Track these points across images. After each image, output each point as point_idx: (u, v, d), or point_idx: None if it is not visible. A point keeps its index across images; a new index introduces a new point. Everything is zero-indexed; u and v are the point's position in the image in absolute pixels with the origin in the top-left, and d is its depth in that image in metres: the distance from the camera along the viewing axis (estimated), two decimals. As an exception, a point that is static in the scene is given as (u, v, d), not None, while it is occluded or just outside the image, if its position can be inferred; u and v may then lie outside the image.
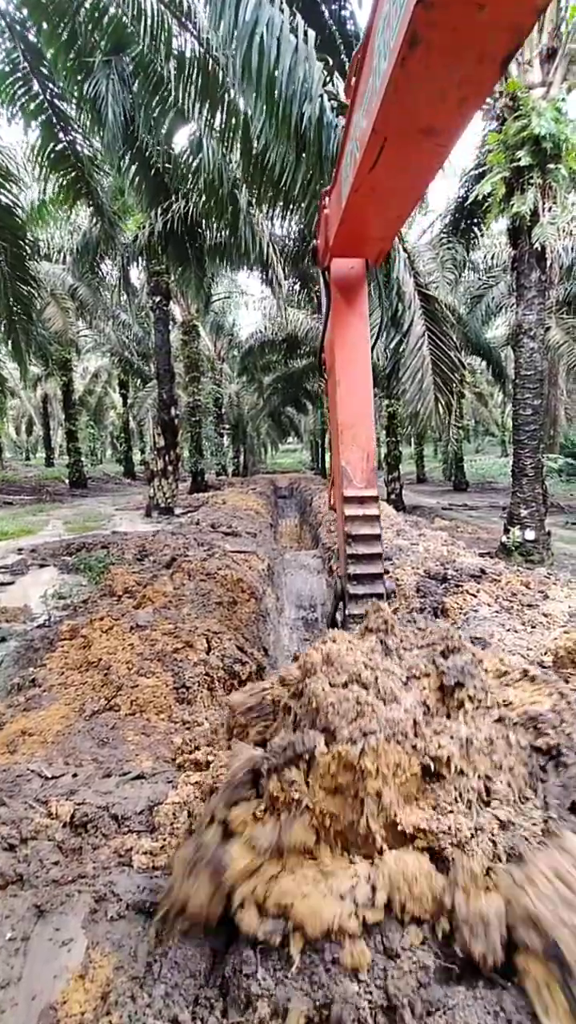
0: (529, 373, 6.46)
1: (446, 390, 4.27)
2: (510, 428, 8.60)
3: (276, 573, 7.64)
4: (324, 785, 1.36)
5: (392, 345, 3.87)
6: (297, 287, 14.68)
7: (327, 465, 25.16)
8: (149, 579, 4.24)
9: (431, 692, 1.51)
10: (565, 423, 17.89)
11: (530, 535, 6.63)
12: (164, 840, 1.54)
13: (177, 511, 12.78)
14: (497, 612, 3.15)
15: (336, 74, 4.19)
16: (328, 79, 3.52)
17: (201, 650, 2.77)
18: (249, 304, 24.40)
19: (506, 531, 7.02)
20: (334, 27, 6.42)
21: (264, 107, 3.45)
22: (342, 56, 6.11)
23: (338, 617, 2.48)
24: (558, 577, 4.00)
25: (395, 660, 1.60)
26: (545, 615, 3.05)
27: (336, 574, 2.85)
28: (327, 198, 2.49)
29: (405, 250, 3.86)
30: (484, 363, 15.84)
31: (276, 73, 3.04)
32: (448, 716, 1.46)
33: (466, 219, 9.51)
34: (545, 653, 2.45)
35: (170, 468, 12.24)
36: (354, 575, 2.37)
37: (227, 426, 27.49)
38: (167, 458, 12.29)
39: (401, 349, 3.93)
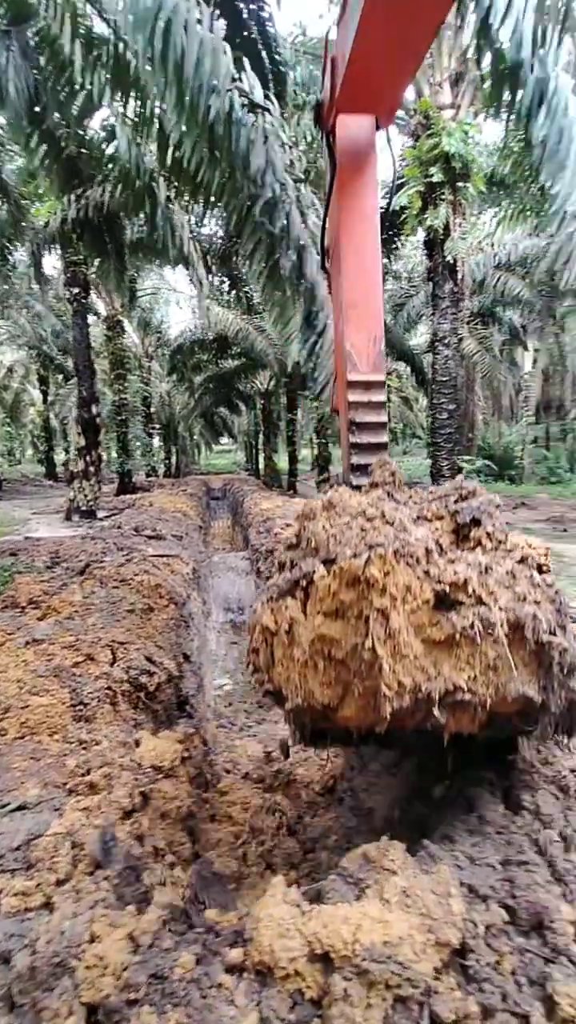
0: (444, 379, 6.83)
1: None
2: (431, 431, 9.03)
3: (203, 576, 7.49)
4: (324, 609, 1.23)
5: (308, 346, 3.93)
6: (227, 287, 14.55)
7: (261, 466, 25.17)
8: (58, 588, 3.98)
9: (445, 534, 1.38)
10: (483, 427, 19.16)
11: (446, 533, 6.97)
12: (41, 877, 1.41)
13: (101, 514, 12.20)
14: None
15: (250, 72, 4.15)
16: (238, 76, 3.48)
17: (104, 662, 2.62)
18: (180, 301, 23.89)
19: (425, 529, 7.32)
20: (254, 27, 6.41)
21: (174, 98, 3.35)
22: (262, 56, 6.11)
23: None
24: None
25: (404, 507, 1.45)
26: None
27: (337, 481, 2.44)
28: (334, 28, 2.21)
29: (319, 252, 3.92)
30: (408, 369, 16.56)
31: (182, 63, 2.95)
32: (464, 552, 1.33)
33: (387, 230, 9.88)
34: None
35: (92, 469, 11.65)
36: (357, 466, 2.17)
37: (157, 426, 26.70)
38: (88, 459, 11.69)
39: (316, 349, 3.99)
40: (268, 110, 3.49)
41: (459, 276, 6.58)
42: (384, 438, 2.18)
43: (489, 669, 1.21)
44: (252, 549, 8.18)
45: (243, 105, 3.38)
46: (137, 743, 2.18)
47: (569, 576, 6.87)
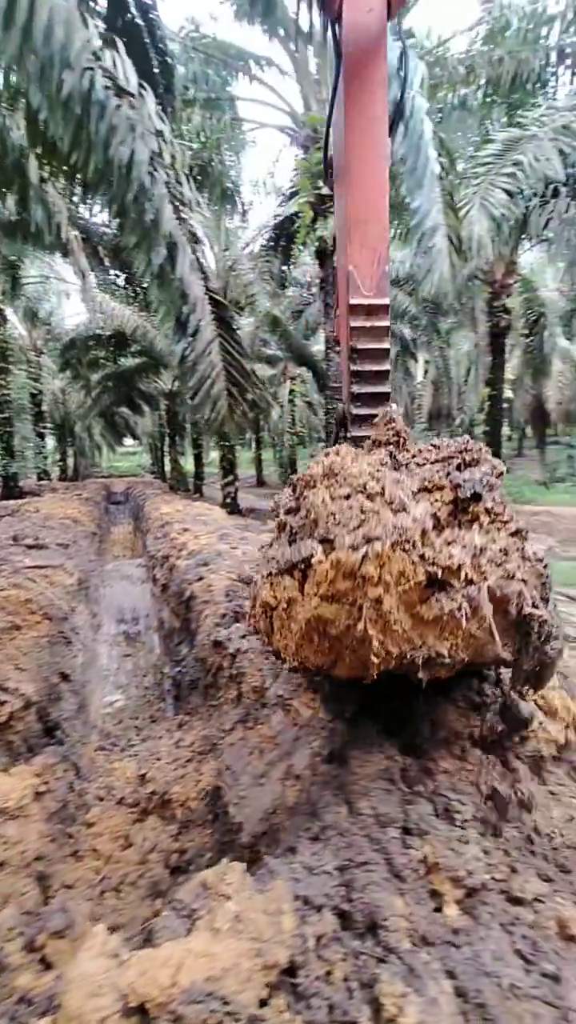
0: (337, 385, 7.06)
1: (240, 398, 4.36)
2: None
3: (94, 587, 7.02)
4: (320, 592, 1.28)
5: (178, 348, 3.80)
6: (122, 281, 13.86)
7: (167, 469, 24.35)
8: None
9: (444, 505, 1.39)
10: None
11: (342, 533, 7.21)
12: None
13: (-21, 522, 10.96)
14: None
15: (124, 56, 3.92)
16: (100, 54, 3.26)
17: (-56, 694, 2.29)
18: (74, 294, 22.32)
19: (322, 531, 7.51)
20: (137, 12, 6.15)
21: (30, 68, 3.06)
22: (146, 43, 5.87)
23: (337, 439, 2.09)
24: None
25: (406, 474, 1.45)
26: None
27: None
28: None
29: (193, 251, 3.83)
30: (311, 374, 17.01)
31: (30, 27, 2.69)
32: (461, 528, 1.37)
33: (284, 237, 10.04)
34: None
35: (-33, 473, 10.43)
36: (358, 395, 1.99)
37: (50, 426, 24.74)
38: (-37, 461, 10.45)
39: (187, 353, 3.87)
40: (133, 95, 3.32)
41: (348, 287, 6.83)
42: (386, 366, 2.01)
43: (471, 638, 1.31)
44: (148, 556, 7.83)
45: (107, 87, 3.18)
46: (-21, 783, 1.92)
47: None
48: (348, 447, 1.56)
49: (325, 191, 6.60)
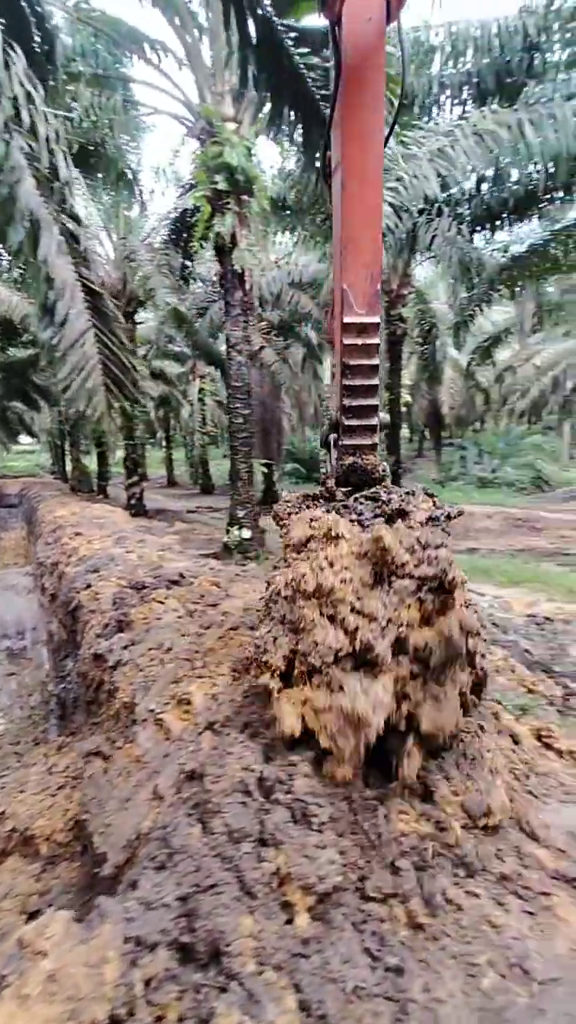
0: (239, 385, 7.00)
1: (121, 394, 4.14)
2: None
3: (-28, 600, 6.33)
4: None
5: (46, 338, 3.51)
6: (5, 263, 12.63)
7: (68, 470, 22.71)
8: None
9: (409, 606, 1.55)
10: (289, 432, 20.57)
11: (246, 534, 7.19)
12: None
13: None
14: (179, 617, 3.15)
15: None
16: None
17: None
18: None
19: (227, 531, 7.46)
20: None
21: None
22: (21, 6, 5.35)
23: (331, 445, 2.26)
24: (249, 572, 4.33)
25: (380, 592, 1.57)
26: (224, 614, 3.18)
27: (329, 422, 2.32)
28: None
29: (63, 233, 3.54)
30: (219, 372, 16.79)
31: None
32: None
33: (185, 230, 9.76)
34: (205, 653, 2.51)
35: None
36: (349, 407, 2.13)
37: None
38: None
39: (56, 342, 3.59)
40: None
41: (247, 286, 6.82)
42: (375, 380, 2.13)
43: None
44: (38, 563, 7.20)
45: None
46: None
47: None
48: (345, 523, 1.74)
49: (222, 186, 6.49)
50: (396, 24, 1.92)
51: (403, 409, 15.39)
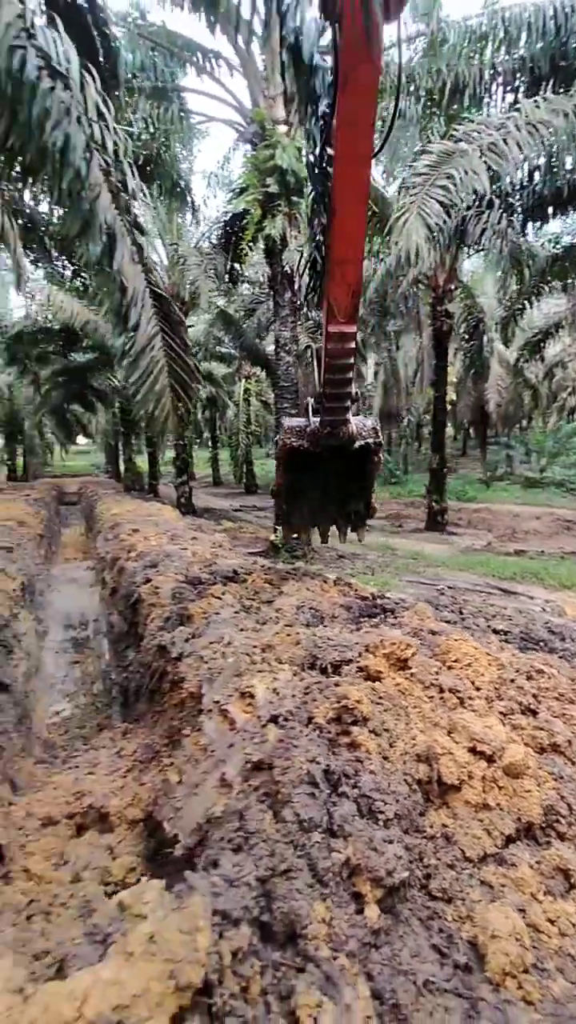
0: (287, 384, 7.07)
1: (184, 395, 4.30)
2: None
3: (39, 591, 6.74)
4: None
5: (121, 343, 3.69)
6: (70, 273, 13.30)
7: (121, 468, 23.63)
8: None
9: None
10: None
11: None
12: None
13: None
14: (236, 613, 3.25)
15: (64, 36, 3.73)
16: (29, 28, 3.06)
17: None
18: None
19: (274, 530, 7.56)
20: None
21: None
22: (88, 26, 5.62)
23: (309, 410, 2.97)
24: (299, 571, 4.39)
25: None
26: (277, 611, 3.26)
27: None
28: None
29: (135, 243, 3.72)
30: (264, 373, 16.97)
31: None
32: None
33: (235, 233, 9.93)
34: (264, 648, 2.59)
35: None
36: (330, 394, 2.78)
37: (-5, 423, 23.53)
38: None
39: (128, 348, 3.78)
40: (68, 77, 3.17)
41: (296, 286, 6.87)
42: (351, 375, 2.72)
43: None
44: (98, 558, 7.58)
45: (40, 67, 3.01)
46: None
47: (396, 567, 7.64)
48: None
49: (273, 189, 6.58)
50: (396, 24, 1.87)
51: (448, 407, 14.99)
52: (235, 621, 3.07)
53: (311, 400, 3.02)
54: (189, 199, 10.22)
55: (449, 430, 25.24)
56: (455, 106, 7.96)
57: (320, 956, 1.12)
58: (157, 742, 2.85)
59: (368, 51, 1.81)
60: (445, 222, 6.43)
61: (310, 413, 2.96)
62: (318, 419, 2.92)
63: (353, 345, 2.58)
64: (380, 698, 1.79)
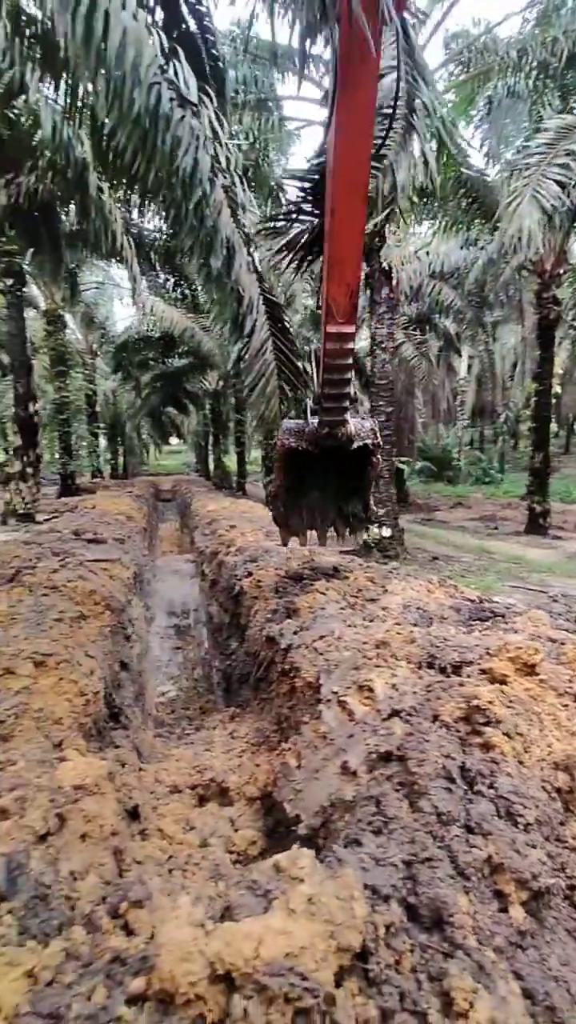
0: (382, 382, 7.00)
1: (291, 397, 4.43)
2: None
3: (147, 580, 7.31)
4: None
5: (236, 350, 3.89)
6: (171, 284, 14.23)
7: (211, 467, 24.83)
8: (-19, 598, 3.73)
9: None
10: (422, 429, 19.84)
11: (386, 532, 7.18)
12: None
13: (40, 518, 11.62)
14: (342, 609, 3.31)
15: (186, 65, 4.05)
16: (166, 67, 3.37)
17: (25, 676, 2.48)
18: (126, 297, 23.18)
19: (366, 529, 7.52)
20: (192, 20, 6.30)
21: (102, 86, 3.21)
22: (201, 51, 6.00)
23: (310, 411, 2.95)
24: (399, 571, 4.34)
25: None
26: (383, 609, 3.27)
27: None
28: None
29: (250, 254, 3.92)
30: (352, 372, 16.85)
31: (105, 49, 2.83)
32: None
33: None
34: (377, 644, 2.62)
35: (29, 470, 11.08)
36: (328, 395, 2.77)
37: (102, 425, 25.78)
38: (25, 459, 11.12)
39: (243, 353, 3.96)
40: (196, 106, 3.42)
41: (394, 282, 6.77)
42: (349, 375, 2.70)
43: None
44: (197, 551, 8.05)
45: (171, 99, 3.28)
46: (59, 760, 2.07)
47: (496, 571, 7.25)
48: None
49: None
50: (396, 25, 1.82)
51: (552, 401, 13.87)
52: (342, 616, 3.13)
53: (309, 401, 3.02)
54: (284, 201, 10.45)
55: (552, 426, 23.36)
56: (569, 76, 7.36)
57: (469, 945, 1.14)
58: (267, 728, 3.00)
59: (368, 51, 1.76)
60: (562, 202, 5.98)
61: (308, 414, 2.94)
62: (316, 420, 2.90)
63: (351, 345, 2.57)
64: (511, 702, 1.75)
